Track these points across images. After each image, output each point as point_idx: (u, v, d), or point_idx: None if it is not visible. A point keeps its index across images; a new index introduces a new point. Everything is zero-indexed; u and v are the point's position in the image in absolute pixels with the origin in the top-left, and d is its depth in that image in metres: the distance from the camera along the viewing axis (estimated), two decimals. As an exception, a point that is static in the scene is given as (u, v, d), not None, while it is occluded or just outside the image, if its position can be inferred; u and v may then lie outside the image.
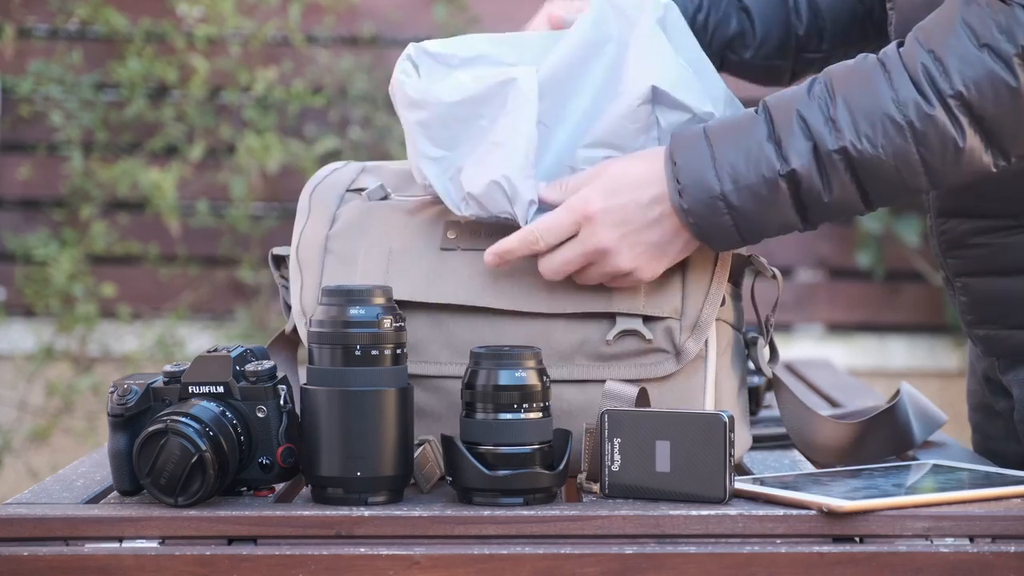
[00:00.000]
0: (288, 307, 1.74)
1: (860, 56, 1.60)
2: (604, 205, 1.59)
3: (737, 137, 1.58)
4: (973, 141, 1.56)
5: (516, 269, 1.64)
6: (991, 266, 1.76)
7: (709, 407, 1.63)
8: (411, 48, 1.69)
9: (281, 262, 1.77)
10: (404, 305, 1.62)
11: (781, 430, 1.85)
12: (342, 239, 1.69)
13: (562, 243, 1.61)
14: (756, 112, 1.60)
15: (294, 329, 1.74)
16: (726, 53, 1.95)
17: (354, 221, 1.71)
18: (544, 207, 1.63)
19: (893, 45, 1.59)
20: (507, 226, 1.64)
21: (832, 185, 1.57)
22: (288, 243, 1.75)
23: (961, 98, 1.54)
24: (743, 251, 1.69)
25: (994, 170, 1.58)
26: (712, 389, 1.64)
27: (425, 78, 1.67)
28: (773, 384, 1.74)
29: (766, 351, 1.72)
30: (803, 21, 1.95)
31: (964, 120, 1.55)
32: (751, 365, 1.73)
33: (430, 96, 1.65)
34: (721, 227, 1.59)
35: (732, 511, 1.47)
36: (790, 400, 1.73)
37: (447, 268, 1.66)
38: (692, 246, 1.62)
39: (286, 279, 1.75)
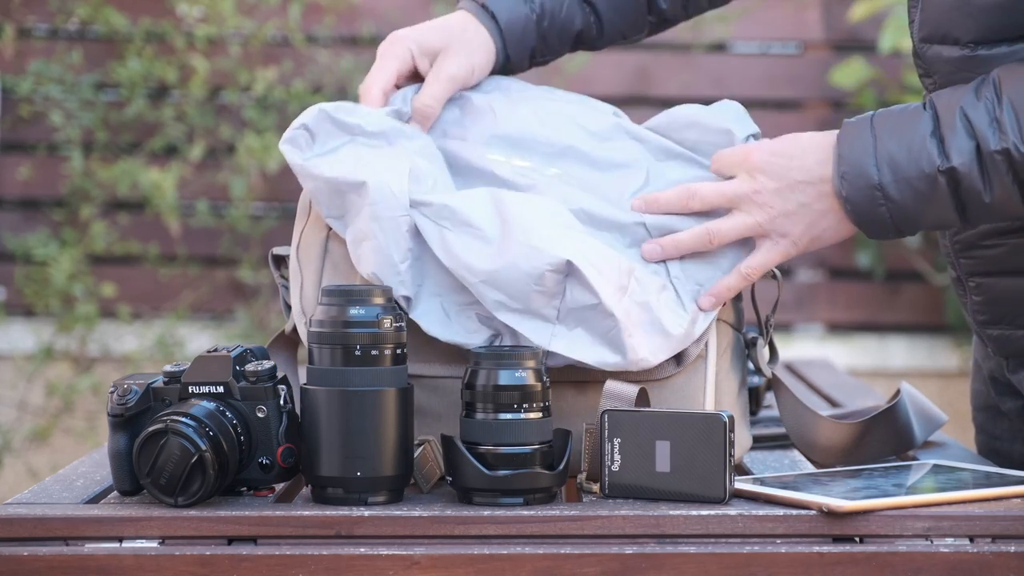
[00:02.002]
0: (288, 307, 1.74)
1: None
2: (767, 155, 1.62)
3: (902, 130, 1.61)
4: None
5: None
6: (1006, 266, 1.76)
7: (709, 407, 1.63)
8: (312, 113, 1.69)
9: (281, 262, 1.77)
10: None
11: (781, 430, 1.85)
12: (342, 240, 1.69)
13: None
14: (924, 108, 1.62)
15: (294, 329, 1.74)
16: (576, 46, 1.92)
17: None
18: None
19: None
20: None
21: (993, 185, 1.59)
22: (288, 243, 1.75)
23: None
24: None
25: None
26: (712, 390, 1.64)
27: (318, 145, 1.67)
28: (773, 384, 1.74)
29: (766, 351, 1.72)
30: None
31: None
32: (751, 365, 1.73)
33: (312, 168, 1.65)
34: (877, 216, 1.61)
35: (732, 511, 1.47)
36: (790, 400, 1.73)
37: None
38: (845, 232, 1.64)
39: (286, 279, 1.75)
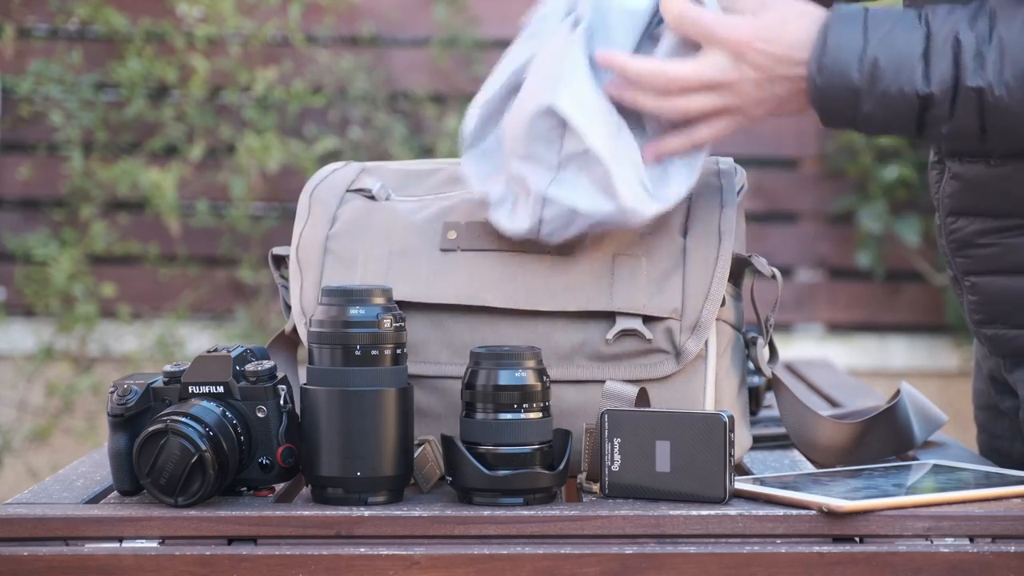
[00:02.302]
0: (288, 307, 1.74)
1: None
2: (750, 40, 1.60)
3: (893, 39, 1.59)
4: None
5: (517, 270, 1.64)
6: (1000, 265, 1.76)
7: (709, 407, 1.63)
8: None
9: (281, 262, 1.77)
10: (404, 306, 1.62)
11: (781, 430, 1.85)
12: (342, 239, 1.69)
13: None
14: (919, 21, 1.60)
15: (294, 329, 1.74)
16: None
17: (354, 222, 1.71)
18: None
19: None
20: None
21: (957, 118, 1.58)
22: (288, 243, 1.75)
23: None
24: (743, 252, 1.69)
25: None
26: (712, 389, 1.64)
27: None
28: (773, 384, 1.74)
29: (766, 351, 1.72)
30: None
31: None
32: (751, 365, 1.73)
33: None
34: (840, 112, 1.61)
35: (732, 511, 1.47)
36: (790, 400, 1.73)
37: (447, 268, 1.66)
38: (801, 111, 1.64)
39: (286, 279, 1.75)
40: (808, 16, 1.61)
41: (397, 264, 1.67)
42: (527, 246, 1.65)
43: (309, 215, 1.72)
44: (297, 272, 1.70)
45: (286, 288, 1.75)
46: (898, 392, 1.82)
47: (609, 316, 1.63)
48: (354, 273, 1.67)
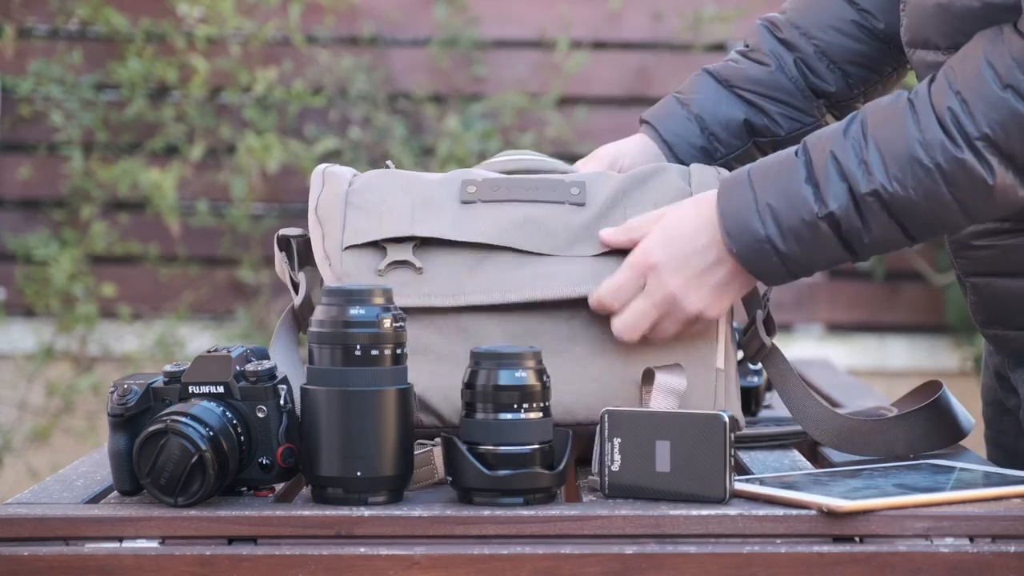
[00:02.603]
0: (295, 285, 1.75)
1: (895, 94, 1.62)
2: (665, 256, 1.64)
3: (778, 179, 1.62)
4: (1005, 179, 1.58)
5: (539, 214, 1.69)
6: (996, 267, 1.76)
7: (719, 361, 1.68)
8: None
9: (287, 243, 1.76)
10: (430, 243, 1.67)
11: (781, 430, 1.85)
12: (363, 194, 1.72)
13: (631, 302, 1.65)
14: (796, 154, 1.63)
15: (301, 306, 1.74)
16: (755, 135, 1.95)
17: (373, 180, 1.74)
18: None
19: (925, 83, 1.61)
20: (523, 185, 1.71)
21: (871, 226, 1.60)
22: (276, 265, 1.77)
23: (988, 139, 1.56)
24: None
25: None
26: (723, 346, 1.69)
27: None
28: (770, 359, 1.73)
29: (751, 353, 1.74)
30: (828, 81, 1.93)
31: (993, 160, 1.57)
32: (750, 366, 1.74)
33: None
34: (770, 267, 1.63)
35: (732, 511, 1.47)
36: (791, 378, 1.73)
37: (470, 216, 1.70)
38: (752, 282, 1.67)
39: (290, 259, 1.75)
40: (703, 202, 1.66)
41: (420, 211, 1.69)
42: (546, 194, 1.71)
43: (324, 184, 1.73)
44: (317, 226, 1.71)
45: (289, 266, 1.75)
46: (940, 386, 1.79)
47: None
48: (378, 221, 1.68)
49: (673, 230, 1.65)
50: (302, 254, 1.76)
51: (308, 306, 1.75)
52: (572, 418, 1.66)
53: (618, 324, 1.65)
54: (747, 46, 1.96)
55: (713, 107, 1.92)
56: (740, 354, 1.76)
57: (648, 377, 1.65)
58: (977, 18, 1.63)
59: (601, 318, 1.67)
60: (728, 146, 1.91)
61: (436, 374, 1.66)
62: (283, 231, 1.77)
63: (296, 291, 1.75)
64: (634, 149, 1.91)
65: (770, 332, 1.73)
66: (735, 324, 1.75)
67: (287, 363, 1.69)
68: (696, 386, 1.67)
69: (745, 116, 1.92)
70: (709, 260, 1.64)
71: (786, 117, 1.92)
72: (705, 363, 1.68)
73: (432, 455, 1.56)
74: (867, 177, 1.58)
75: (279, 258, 1.77)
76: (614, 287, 1.65)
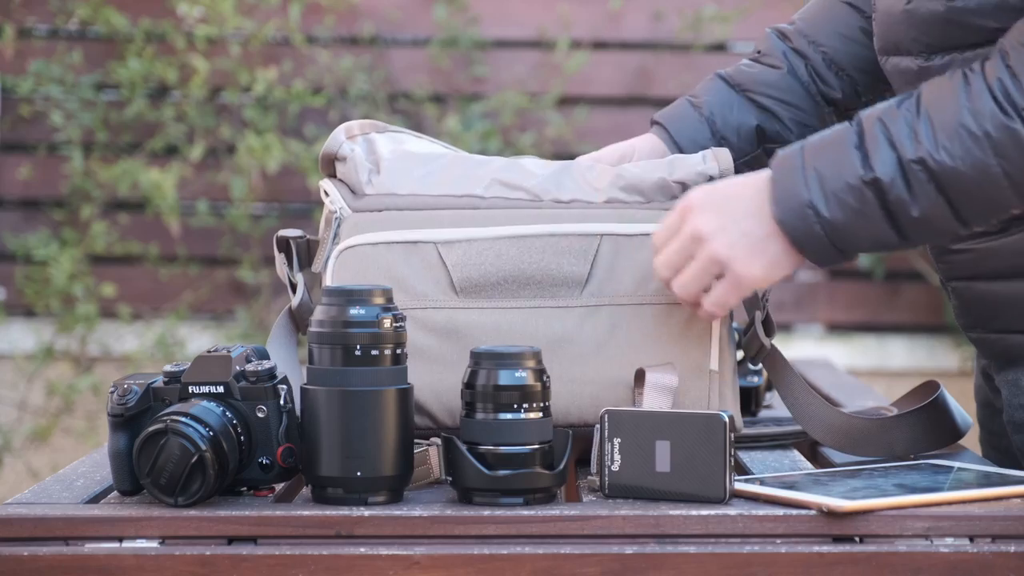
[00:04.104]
0: (292, 285, 1.75)
1: (952, 71, 1.60)
2: (704, 194, 1.62)
3: (827, 147, 1.60)
4: None
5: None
6: (975, 271, 1.77)
7: (714, 359, 1.67)
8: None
9: (286, 245, 1.77)
10: None
11: (781, 430, 1.85)
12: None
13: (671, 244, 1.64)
14: (849, 123, 1.61)
15: (298, 308, 1.75)
16: (764, 141, 1.95)
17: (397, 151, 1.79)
18: None
19: (980, 61, 1.59)
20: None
21: (918, 197, 1.57)
22: (276, 266, 1.77)
23: None
24: None
25: None
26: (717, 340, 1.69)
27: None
28: (770, 358, 1.73)
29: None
30: (836, 87, 1.94)
31: None
32: (751, 366, 1.74)
33: None
34: (813, 236, 1.60)
35: (732, 511, 1.47)
36: (791, 378, 1.73)
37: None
38: (793, 259, 1.63)
39: (289, 260, 1.76)
40: (756, 173, 1.64)
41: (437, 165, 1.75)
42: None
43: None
44: (332, 186, 1.75)
45: (287, 267, 1.75)
46: (937, 387, 1.80)
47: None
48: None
49: (721, 185, 1.64)
50: (301, 255, 1.76)
51: (306, 307, 1.75)
52: (565, 420, 1.66)
53: (658, 263, 1.64)
54: (759, 52, 1.97)
55: (725, 111, 1.93)
56: (740, 354, 1.77)
57: (640, 377, 1.65)
58: (946, 21, 1.64)
59: (595, 320, 1.67)
60: (738, 151, 1.90)
61: (429, 375, 1.66)
62: (282, 232, 1.77)
63: (294, 292, 1.75)
64: (644, 148, 1.91)
65: (769, 333, 1.73)
66: (735, 325, 1.75)
67: (284, 363, 1.69)
68: (689, 388, 1.67)
69: (758, 122, 1.92)
70: (750, 208, 1.61)
71: (797, 123, 1.93)
72: (698, 365, 1.68)
73: (428, 455, 1.56)
74: (915, 145, 1.56)
75: (279, 259, 1.78)
76: (659, 229, 1.64)
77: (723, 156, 1.74)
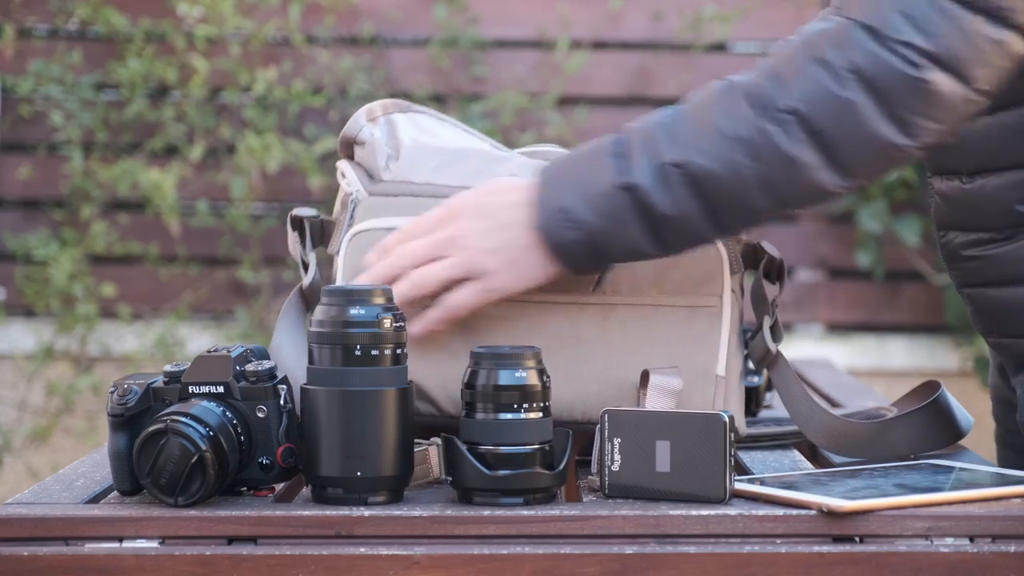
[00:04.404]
0: (304, 265, 1.75)
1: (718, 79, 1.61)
2: (473, 200, 1.62)
3: (589, 155, 1.60)
4: (809, 156, 1.54)
5: None
6: (985, 277, 1.77)
7: (722, 355, 1.67)
8: None
9: (300, 224, 1.76)
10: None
11: (781, 430, 1.85)
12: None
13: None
14: (613, 132, 1.61)
15: (309, 286, 1.75)
16: None
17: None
18: None
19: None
20: None
21: (675, 201, 1.56)
22: (286, 244, 1.77)
23: (797, 113, 1.53)
24: (749, 239, 1.72)
25: (839, 191, 1.56)
26: (727, 333, 1.69)
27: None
28: (773, 366, 1.73)
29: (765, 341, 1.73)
30: None
31: (802, 135, 1.53)
32: (751, 365, 1.74)
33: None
34: (568, 241, 1.59)
35: (732, 511, 1.47)
36: (794, 385, 1.73)
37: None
38: (551, 268, 1.61)
39: (303, 239, 1.76)
40: (524, 183, 1.63)
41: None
42: None
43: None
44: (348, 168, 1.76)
45: (300, 245, 1.76)
46: (938, 386, 1.80)
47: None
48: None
49: (488, 186, 1.64)
50: (315, 235, 1.76)
51: (317, 287, 1.75)
52: (570, 416, 1.66)
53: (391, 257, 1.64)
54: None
55: None
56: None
57: (645, 379, 1.65)
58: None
59: (607, 319, 1.67)
60: None
61: (437, 363, 1.66)
62: (296, 211, 1.78)
63: (306, 271, 1.75)
64: None
65: (776, 339, 1.73)
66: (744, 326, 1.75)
67: (293, 343, 1.69)
68: (695, 391, 1.67)
69: None
70: (511, 218, 1.60)
71: None
72: (705, 369, 1.68)
73: (428, 454, 1.56)
74: (673, 148, 1.55)
75: (292, 237, 1.78)
76: (419, 221, 1.64)
77: None
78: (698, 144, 1.55)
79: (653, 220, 1.57)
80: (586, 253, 1.59)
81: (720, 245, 1.69)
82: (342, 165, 1.76)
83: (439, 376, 1.67)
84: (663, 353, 1.67)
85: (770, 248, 1.73)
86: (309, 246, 1.77)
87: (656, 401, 1.62)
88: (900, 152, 1.54)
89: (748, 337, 1.75)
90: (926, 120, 1.53)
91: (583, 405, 1.67)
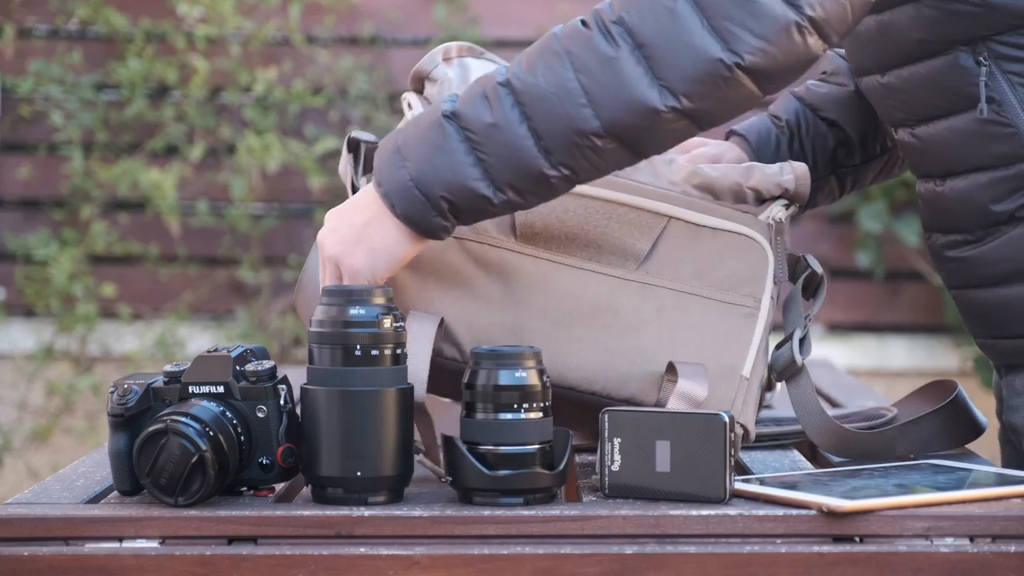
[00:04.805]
0: (355, 188, 1.73)
1: None
2: (335, 208, 1.63)
3: (430, 110, 1.60)
4: (631, 68, 1.52)
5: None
6: (966, 279, 1.78)
7: (752, 353, 1.67)
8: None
9: (356, 146, 1.75)
10: None
11: (781, 430, 1.85)
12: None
13: None
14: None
15: None
16: (837, 170, 1.96)
17: None
18: None
19: None
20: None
21: (494, 112, 1.55)
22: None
23: (623, 23, 1.53)
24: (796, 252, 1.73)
25: (669, 114, 1.54)
26: (761, 333, 1.68)
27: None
28: (793, 378, 1.72)
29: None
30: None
31: (626, 46, 1.53)
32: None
33: None
34: (400, 181, 1.56)
35: (732, 511, 1.47)
36: (811, 401, 1.72)
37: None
38: (401, 238, 1.59)
39: (356, 162, 1.74)
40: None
41: None
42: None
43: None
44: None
45: (353, 168, 1.74)
46: (955, 386, 1.80)
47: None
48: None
49: (348, 201, 1.64)
50: (368, 161, 1.74)
51: None
52: (589, 387, 1.64)
53: None
54: (825, 72, 1.98)
55: (802, 132, 1.95)
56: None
57: (671, 371, 1.63)
58: (877, 37, 1.70)
59: (644, 298, 1.66)
60: (813, 172, 1.91)
61: (471, 309, 1.65)
62: (355, 134, 1.76)
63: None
64: (730, 156, 1.91)
65: (805, 353, 1.72)
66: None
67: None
68: (717, 389, 1.64)
69: (835, 145, 1.95)
70: (358, 203, 1.60)
71: (863, 145, 1.95)
72: (731, 368, 1.66)
73: (426, 454, 1.56)
74: (504, 71, 1.56)
75: (345, 159, 1.76)
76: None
77: (800, 170, 1.73)
78: (527, 65, 1.56)
79: (476, 143, 1.55)
80: (416, 189, 1.56)
81: (769, 251, 1.69)
82: (410, 97, 1.75)
83: (467, 322, 1.64)
84: (694, 342, 1.65)
85: (813, 263, 1.72)
86: (360, 171, 1.75)
87: (676, 405, 1.60)
88: (726, 70, 1.52)
89: (774, 347, 1.74)
90: (748, 34, 1.51)
91: (604, 378, 1.64)
